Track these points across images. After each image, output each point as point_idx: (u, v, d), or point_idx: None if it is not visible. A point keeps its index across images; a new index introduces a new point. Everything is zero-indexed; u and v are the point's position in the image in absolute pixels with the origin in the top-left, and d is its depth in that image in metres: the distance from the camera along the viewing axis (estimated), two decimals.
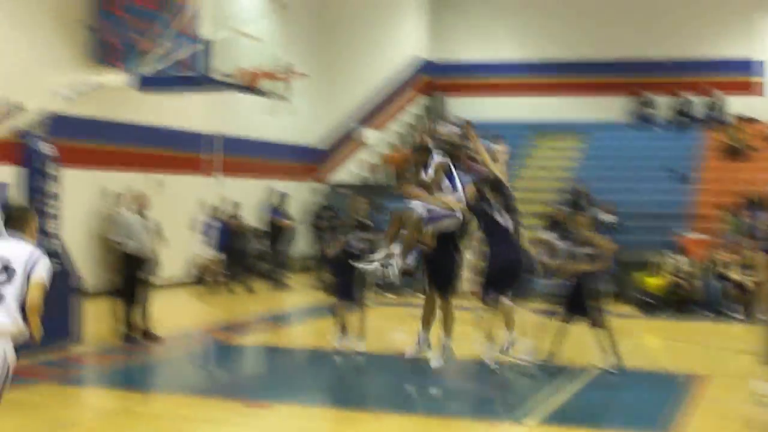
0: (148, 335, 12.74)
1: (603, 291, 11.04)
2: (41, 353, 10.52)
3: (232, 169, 21.74)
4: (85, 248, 16.81)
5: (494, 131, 21.68)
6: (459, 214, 10.34)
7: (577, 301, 10.77)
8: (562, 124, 25.69)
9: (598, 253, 10.83)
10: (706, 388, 10.30)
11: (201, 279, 19.71)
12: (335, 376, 11.41)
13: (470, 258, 12.01)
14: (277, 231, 20.68)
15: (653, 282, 17.24)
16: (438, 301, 10.66)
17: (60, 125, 13.03)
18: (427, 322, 10.69)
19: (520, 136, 24.62)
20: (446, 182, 10.26)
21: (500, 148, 11.28)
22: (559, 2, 26.64)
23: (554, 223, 17.63)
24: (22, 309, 5.87)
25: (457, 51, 27.42)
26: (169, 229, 14.94)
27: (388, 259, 10.37)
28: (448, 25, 27.34)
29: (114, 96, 16.77)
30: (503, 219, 10.49)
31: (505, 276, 10.53)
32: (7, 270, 5.92)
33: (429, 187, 10.25)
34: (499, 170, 10.79)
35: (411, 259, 10.69)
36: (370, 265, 10.57)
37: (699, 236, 18.83)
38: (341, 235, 12.03)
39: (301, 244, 22.59)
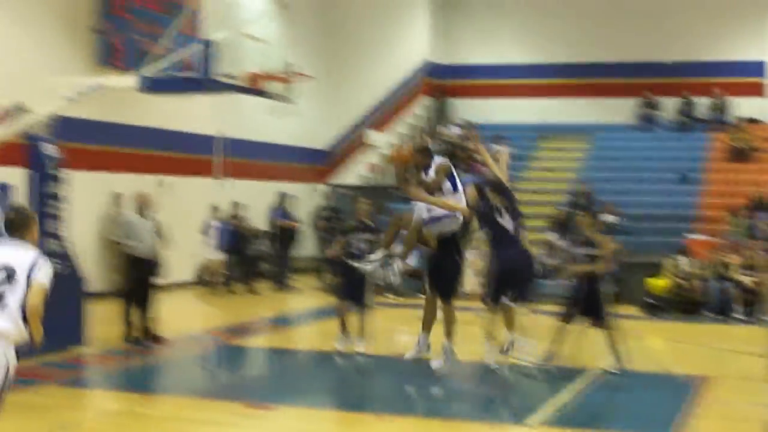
0: (153, 337, 12.75)
1: (606, 292, 11.04)
2: (47, 355, 10.55)
3: (237, 171, 21.77)
4: (92, 250, 16.87)
5: (500, 133, 21.89)
6: (460, 216, 10.33)
7: (591, 304, 10.74)
8: (568, 126, 25.64)
9: (601, 254, 10.82)
10: (712, 390, 10.27)
11: (206, 281, 19.74)
12: (338, 378, 11.42)
13: (471, 258, 12.01)
14: (282, 233, 20.69)
15: (658, 283, 17.21)
16: (439, 303, 10.63)
17: (66, 128, 13.07)
18: (427, 324, 10.63)
19: (526, 138, 24.65)
20: (447, 184, 10.23)
21: (502, 150, 11.29)
22: (564, 5, 26.58)
23: (559, 224, 17.65)
24: (24, 313, 5.87)
25: (463, 54, 27.38)
26: (176, 232, 14.96)
27: (387, 260, 10.38)
28: (454, 28, 27.31)
29: (120, 98, 16.80)
30: (505, 220, 10.49)
31: (507, 278, 10.52)
32: (9, 274, 5.89)
33: (430, 189, 10.26)
34: (500, 171, 10.80)
35: (412, 261, 10.70)
36: (368, 266, 10.58)
37: (704, 238, 18.79)
38: (342, 236, 12.07)
39: (307, 246, 22.61)
